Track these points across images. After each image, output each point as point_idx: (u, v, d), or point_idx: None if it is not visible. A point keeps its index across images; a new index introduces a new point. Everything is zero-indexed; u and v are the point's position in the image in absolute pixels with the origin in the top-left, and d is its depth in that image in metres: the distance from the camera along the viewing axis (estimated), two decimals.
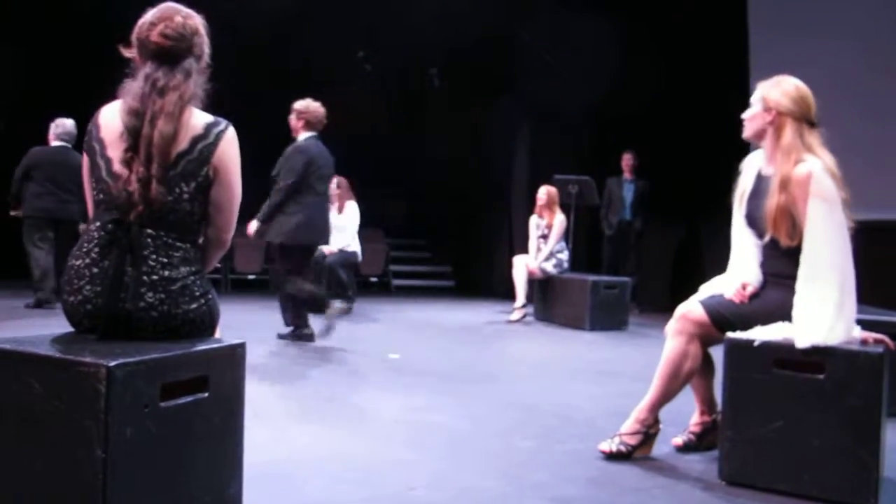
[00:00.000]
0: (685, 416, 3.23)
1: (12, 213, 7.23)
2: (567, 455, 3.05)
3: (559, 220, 7.65)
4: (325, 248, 7.80)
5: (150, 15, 2.20)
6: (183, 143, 2.11)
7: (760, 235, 2.91)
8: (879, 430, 2.53)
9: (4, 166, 7.83)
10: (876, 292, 4.44)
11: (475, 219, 11.37)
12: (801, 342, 2.62)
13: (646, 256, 8.95)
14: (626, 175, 8.78)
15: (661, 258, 9.30)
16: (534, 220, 7.82)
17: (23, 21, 8.90)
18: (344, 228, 7.91)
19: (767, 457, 2.65)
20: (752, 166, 3.02)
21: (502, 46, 9.86)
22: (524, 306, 7.59)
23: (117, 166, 2.09)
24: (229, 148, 2.19)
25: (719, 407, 2.92)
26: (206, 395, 2.03)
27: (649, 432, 3.03)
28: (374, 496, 2.51)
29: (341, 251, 7.79)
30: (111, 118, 2.14)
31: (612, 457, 2.97)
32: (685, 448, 3.13)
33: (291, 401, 3.80)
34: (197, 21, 2.23)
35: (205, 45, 2.24)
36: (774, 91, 2.87)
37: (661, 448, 3.09)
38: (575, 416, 3.71)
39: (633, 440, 3.00)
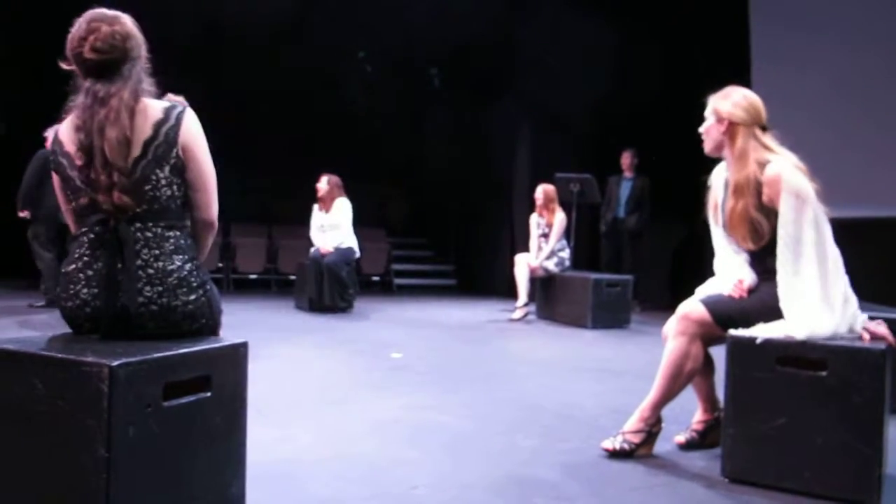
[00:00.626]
0: (687, 414, 3.23)
1: (24, 215, 7.24)
2: (569, 453, 3.05)
3: (559, 218, 7.65)
4: (322, 248, 7.81)
5: (77, 28, 2.17)
6: (147, 132, 2.13)
7: (737, 244, 2.97)
8: (882, 428, 2.53)
9: (6, 169, 7.86)
10: (883, 288, 4.44)
11: (477, 217, 11.38)
12: (795, 335, 2.64)
13: (647, 254, 8.93)
14: (626, 173, 8.78)
15: (663, 256, 9.31)
16: (534, 219, 7.82)
17: (25, 23, 8.91)
18: (336, 226, 7.91)
19: (770, 454, 2.65)
20: (719, 178, 3.09)
21: (502, 46, 9.85)
22: (526, 305, 7.59)
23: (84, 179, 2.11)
24: (193, 125, 2.21)
25: (721, 404, 2.92)
26: (209, 394, 2.03)
27: (652, 431, 3.03)
28: (376, 495, 2.51)
29: (337, 249, 7.78)
30: (68, 134, 2.16)
31: (614, 455, 2.98)
32: (688, 446, 3.14)
33: (294, 400, 3.80)
34: (126, 24, 2.19)
35: (139, 44, 2.21)
36: (724, 103, 2.95)
37: (663, 446, 3.09)
38: (577, 415, 3.71)
39: (636, 438, 3.00)
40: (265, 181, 11.48)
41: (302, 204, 8.23)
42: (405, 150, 12.06)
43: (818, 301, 2.67)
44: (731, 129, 2.90)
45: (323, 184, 8.01)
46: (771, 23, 7.69)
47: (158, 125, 2.15)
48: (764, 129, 2.91)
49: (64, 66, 2.20)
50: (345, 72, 11.28)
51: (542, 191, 7.76)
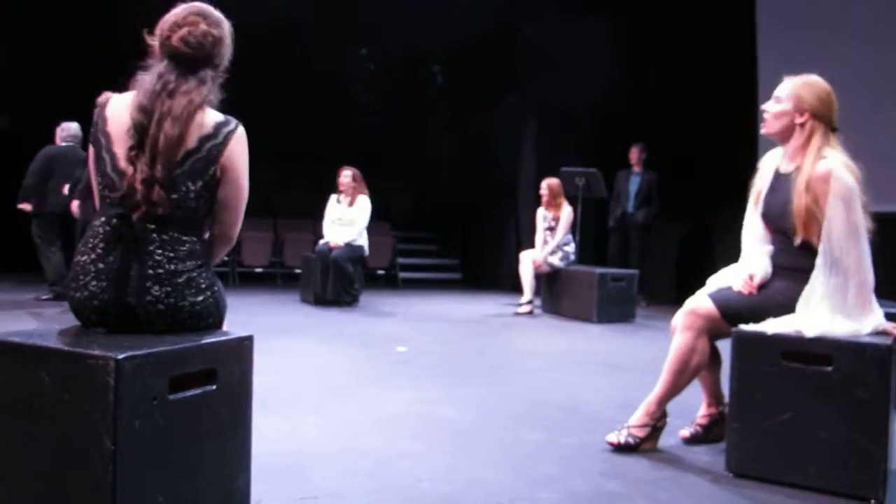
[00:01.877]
0: (692, 408, 3.23)
1: (24, 207, 7.28)
2: (575, 447, 3.06)
3: (566, 212, 7.64)
4: (331, 242, 7.80)
5: (177, 13, 2.15)
6: (191, 143, 2.10)
7: (776, 231, 2.91)
8: (887, 423, 2.52)
9: (12, 163, 7.88)
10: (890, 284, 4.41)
11: (482, 212, 11.37)
12: (807, 333, 2.63)
13: (654, 249, 8.93)
14: (635, 168, 8.77)
15: (670, 250, 9.29)
16: (541, 213, 7.81)
17: (27, 20, 8.92)
18: (352, 222, 7.88)
19: (775, 449, 2.65)
20: (769, 164, 3.00)
21: (506, 41, 9.83)
22: (530, 302, 7.59)
23: (122, 163, 2.08)
24: (238, 147, 2.17)
25: (726, 399, 2.92)
26: (215, 387, 2.04)
27: (657, 425, 3.03)
28: (382, 488, 2.52)
29: (348, 245, 7.77)
30: (119, 112, 2.13)
31: (619, 449, 2.98)
32: (692, 440, 3.14)
33: (299, 393, 3.81)
34: (224, 30, 2.19)
35: (226, 54, 2.21)
36: (808, 92, 2.83)
37: (668, 440, 3.09)
38: (582, 409, 3.71)
39: (641, 432, 3.00)
40: (270, 175, 11.48)
41: (307, 198, 8.23)
42: (410, 145, 12.05)
43: (839, 301, 2.65)
44: (812, 124, 2.80)
45: (347, 177, 7.96)
46: (777, 19, 7.66)
47: (204, 139, 2.11)
48: (834, 129, 2.84)
49: (148, 39, 2.16)
50: (348, 68, 11.28)
51: (547, 185, 7.75)
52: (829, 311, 2.65)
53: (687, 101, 8.09)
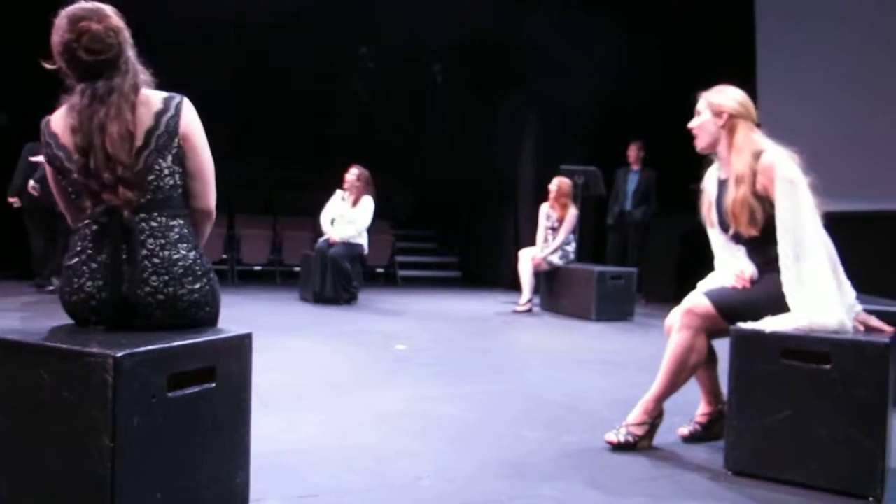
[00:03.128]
0: (691, 406, 3.23)
1: (10, 200, 7.39)
2: (574, 446, 3.06)
3: (571, 214, 7.63)
4: (332, 238, 7.80)
5: (63, 30, 2.08)
6: (148, 122, 2.12)
7: (734, 238, 2.98)
8: (886, 421, 2.52)
9: (9, 159, 7.89)
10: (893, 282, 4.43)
11: (481, 209, 11.37)
12: (803, 323, 2.64)
13: (653, 247, 8.93)
14: (633, 166, 8.77)
15: (668, 249, 9.29)
16: (544, 210, 7.78)
17: (25, 16, 8.91)
18: (353, 222, 7.88)
19: (774, 447, 2.65)
20: (711, 178, 3.11)
21: (507, 40, 9.82)
22: (529, 301, 7.59)
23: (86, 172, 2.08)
24: (190, 114, 2.21)
25: (725, 397, 2.92)
26: (214, 385, 2.04)
27: (654, 423, 3.04)
28: (381, 486, 2.52)
29: (346, 243, 7.77)
30: (62, 126, 2.12)
31: (618, 447, 2.98)
32: (691, 438, 3.14)
33: (299, 391, 3.81)
34: (111, 17, 2.14)
35: (127, 34, 2.17)
36: (720, 97, 2.99)
37: (667, 438, 3.10)
38: (581, 407, 3.71)
39: (639, 431, 3.01)
40: (270, 173, 11.49)
41: (307, 195, 8.23)
42: (409, 143, 12.04)
43: (827, 285, 2.68)
44: (731, 122, 2.94)
45: (353, 175, 7.95)
46: (776, 14, 7.66)
47: (159, 115, 2.15)
48: (757, 125, 2.96)
49: (48, 66, 2.12)
50: (348, 67, 11.27)
51: (558, 184, 7.73)
52: (822, 292, 2.68)
53: (687, 99, 8.08)
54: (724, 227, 3.01)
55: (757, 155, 2.85)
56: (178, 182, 2.19)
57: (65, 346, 1.86)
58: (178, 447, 1.94)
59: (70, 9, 2.11)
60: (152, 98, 2.17)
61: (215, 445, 2.06)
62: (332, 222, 7.96)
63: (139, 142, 2.11)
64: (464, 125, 11.25)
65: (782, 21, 7.51)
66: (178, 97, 2.21)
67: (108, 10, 2.16)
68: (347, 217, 7.89)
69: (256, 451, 2.25)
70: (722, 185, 3.02)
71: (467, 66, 10.86)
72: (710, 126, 2.99)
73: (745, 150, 2.88)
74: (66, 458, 1.81)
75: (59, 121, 2.15)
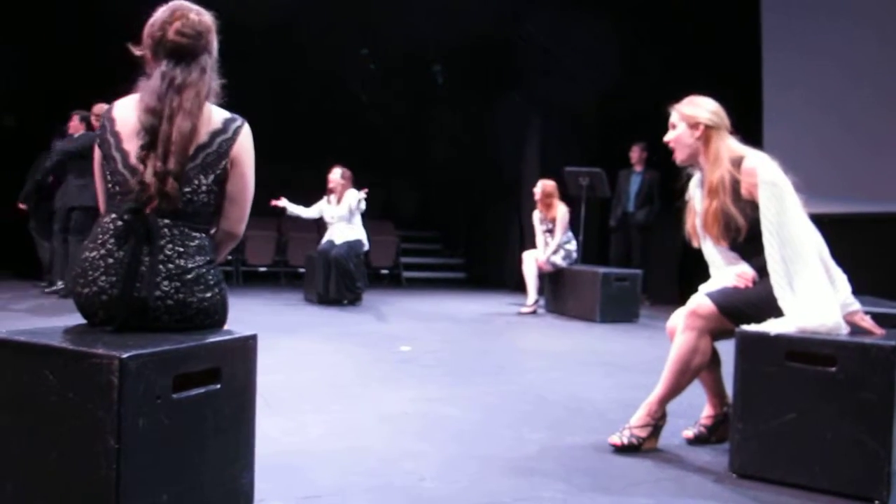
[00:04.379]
0: (695, 408, 3.23)
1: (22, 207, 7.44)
2: (577, 447, 3.06)
3: (562, 212, 7.62)
4: (336, 240, 7.81)
5: (162, 13, 2.20)
6: (202, 137, 2.15)
7: (731, 245, 2.97)
8: (892, 423, 2.51)
9: (18, 161, 7.92)
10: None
11: (486, 211, 11.37)
12: (806, 325, 2.64)
13: (657, 248, 8.91)
14: (636, 167, 8.76)
15: (672, 250, 9.27)
16: (536, 215, 7.80)
17: (32, 18, 8.94)
18: (344, 218, 7.90)
19: (779, 449, 2.65)
20: (695, 190, 3.12)
21: (509, 41, 9.83)
22: (536, 303, 7.59)
23: (134, 160, 2.10)
24: (246, 141, 2.23)
25: (730, 399, 2.91)
26: (219, 386, 2.04)
27: (658, 424, 3.03)
28: (384, 486, 2.52)
29: (346, 242, 7.79)
30: (126, 113, 2.16)
31: (622, 449, 2.98)
32: (696, 441, 3.14)
33: (303, 392, 3.82)
34: (209, 18, 2.25)
35: (216, 42, 2.26)
36: (693, 109, 3.02)
37: (671, 440, 3.09)
38: (585, 409, 3.71)
39: (642, 433, 3.00)
40: (274, 175, 11.49)
41: (311, 197, 8.24)
42: (414, 145, 12.05)
43: (819, 286, 2.67)
44: (706, 133, 2.96)
45: (336, 175, 7.99)
46: (782, 12, 7.64)
47: (215, 134, 2.17)
48: (731, 132, 2.97)
49: (135, 50, 2.21)
50: (349, 68, 11.29)
51: (541, 186, 7.73)
52: (828, 297, 2.67)
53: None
54: (703, 229, 3.02)
55: (737, 161, 2.87)
56: (212, 201, 2.19)
57: (71, 346, 1.87)
58: (183, 448, 1.94)
59: (176, 1, 2.24)
60: (214, 115, 2.19)
61: (220, 446, 2.06)
62: (325, 225, 8.03)
63: (189, 153, 2.12)
64: (467, 127, 11.25)
65: (787, 18, 7.49)
66: (239, 120, 2.23)
67: (208, 14, 2.26)
68: (338, 216, 7.92)
69: (261, 451, 2.25)
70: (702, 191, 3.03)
71: (469, 67, 10.87)
72: (687, 138, 3.01)
73: (720, 159, 2.90)
74: (72, 458, 1.82)
75: (123, 107, 2.18)
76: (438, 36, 9.83)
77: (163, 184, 2.07)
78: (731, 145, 2.94)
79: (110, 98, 2.30)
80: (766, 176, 2.78)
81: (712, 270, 3.11)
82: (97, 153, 2.21)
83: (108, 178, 2.15)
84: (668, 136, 3.08)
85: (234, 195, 2.25)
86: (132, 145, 2.12)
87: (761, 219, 2.78)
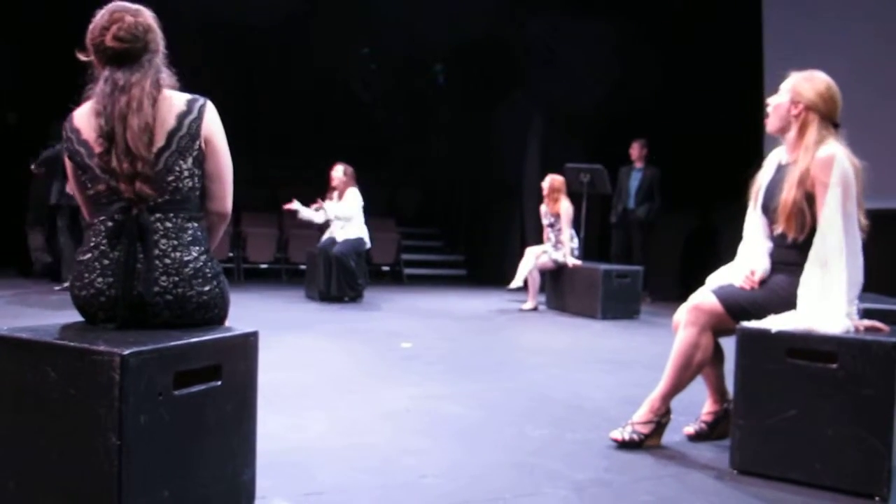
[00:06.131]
0: (697, 405, 3.23)
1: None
2: (579, 444, 3.06)
3: (564, 208, 7.62)
4: (337, 237, 7.81)
5: (100, 18, 2.19)
6: (171, 123, 2.15)
7: (773, 225, 2.90)
8: (893, 420, 2.51)
9: (18, 158, 7.93)
10: None
11: (487, 208, 11.37)
12: (816, 328, 2.62)
13: (658, 245, 8.92)
14: (636, 164, 8.76)
15: (673, 247, 9.28)
16: (542, 209, 7.83)
17: (32, 16, 8.94)
18: (348, 217, 7.89)
19: (779, 446, 2.65)
20: (773, 159, 3.01)
21: (510, 40, 9.82)
22: (523, 287, 7.58)
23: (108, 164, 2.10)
24: (213, 116, 2.24)
25: (731, 396, 2.91)
26: (220, 383, 2.05)
27: (661, 421, 3.03)
28: (386, 484, 2.52)
29: (346, 240, 7.79)
30: (86, 122, 2.16)
31: (623, 445, 2.98)
32: (697, 437, 3.13)
33: (304, 389, 3.82)
34: (147, 17, 2.22)
35: (159, 38, 2.24)
36: (805, 85, 2.84)
37: (672, 437, 3.09)
38: (587, 405, 3.71)
39: (645, 429, 3.00)
40: (276, 171, 11.51)
41: (313, 194, 8.24)
42: (416, 142, 12.05)
43: (841, 296, 2.65)
44: (806, 116, 2.81)
45: (338, 172, 7.97)
46: (784, 8, 7.62)
47: (182, 116, 2.17)
48: (836, 125, 2.83)
49: (81, 56, 2.21)
50: (351, 67, 11.30)
51: (549, 181, 7.75)
52: (843, 304, 2.65)
53: (691, 96, 8.07)
54: (766, 211, 2.93)
55: (815, 150, 2.75)
56: (197, 184, 2.20)
57: (72, 343, 1.87)
58: (184, 445, 1.95)
59: (113, 3, 2.22)
60: (175, 99, 2.19)
61: (221, 443, 2.06)
62: (327, 223, 8.01)
63: (160, 142, 2.12)
64: (468, 124, 11.25)
65: (790, 13, 7.47)
66: (201, 100, 2.23)
67: (146, 11, 2.24)
68: (340, 214, 7.91)
69: (262, 448, 2.26)
70: (781, 169, 2.91)
71: (471, 66, 10.87)
72: (783, 111, 2.87)
73: (812, 149, 2.76)
74: (73, 455, 1.82)
75: (82, 116, 2.18)
76: (441, 35, 9.83)
77: (133, 186, 2.07)
78: (826, 137, 2.78)
79: None
80: (837, 176, 2.68)
81: (743, 244, 3.03)
82: (69, 166, 2.21)
83: (89, 185, 2.15)
84: (770, 100, 2.93)
85: (215, 172, 2.26)
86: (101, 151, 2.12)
87: (820, 217, 2.70)
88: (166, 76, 2.22)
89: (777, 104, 2.91)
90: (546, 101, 9.68)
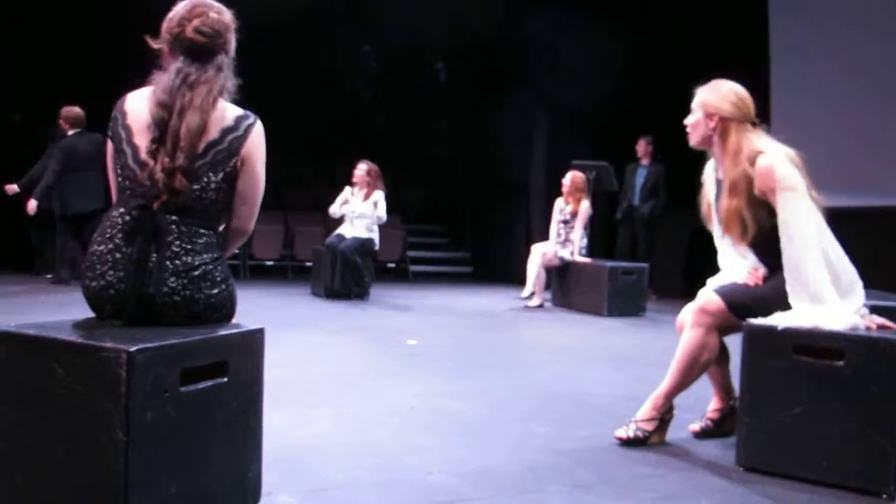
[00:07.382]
0: (703, 402, 3.22)
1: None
2: (583, 441, 3.06)
3: (584, 207, 7.60)
4: (346, 235, 7.81)
5: (182, 8, 2.20)
6: (213, 134, 2.14)
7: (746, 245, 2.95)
8: None
9: (23, 156, 7.95)
10: None
11: (493, 205, 11.36)
12: (820, 324, 2.62)
13: (664, 242, 8.90)
14: (642, 160, 8.75)
15: (679, 244, 9.26)
16: (558, 204, 7.78)
17: (38, 16, 8.96)
18: (364, 216, 7.88)
19: (785, 443, 2.64)
20: (709, 175, 3.06)
21: (514, 37, 9.80)
22: (533, 292, 7.56)
23: (144, 155, 2.11)
24: (257, 139, 2.22)
25: (737, 393, 2.91)
26: (226, 380, 2.05)
27: (664, 418, 3.03)
28: (391, 480, 2.53)
29: (356, 237, 7.78)
30: (138, 107, 2.16)
31: (628, 443, 2.98)
32: (702, 434, 3.13)
33: (310, 386, 3.83)
34: (228, 17, 2.25)
35: (234, 40, 2.26)
36: (713, 97, 2.91)
37: (678, 434, 3.09)
38: (592, 402, 3.71)
39: (649, 426, 3.00)
40: (281, 170, 11.52)
41: (318, 191, 8.25)
42: (421, 140, 12.05)
43: (827, 294, 2.65)
44: (723, 125, 2.87)
45: (361, 171, 7.91)
46: (791, 13, 7.59)
47: (226, 132, 2.16)
48: (754, 123, 2.88)
49: (152, 43, 2.21)
50: (352, 66, 11.31)
51: (571, 178, 7.71)
52: (833, 296, 2.66)
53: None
54: (724, 229, 2.97)
55: (753, 159, 2.79)
56: (221, 199, 2.19)
57: (78, 340, 1.88)
58: (190, 441, 1.95)
59: None
60: (227, 112, 2.18)
61: (227, 440, 2.07)
62: (343, 217, 7.98)
63: (199, 150, 2.12)
64: (474, 123, 11.24)
65: (796, 18, 7.44)
66: (251, 118, 2.22)
67: (228, 13, 2.26)
68: (359, 211, 7.89)
69: (268, 445, 2.26)
70: (719, 184, 2.97)
71: (475, 64, 10.86)
72: (702, 127, 2.93)
73: (739, 154, 2.81)
74: (80, 451, 1.83)
75: (134, 100, 2.18)
76: (443, 34, 9.83)
77: (171, 180, 2.06)
78: (751, 139, 2.83)
79: (110, 96, 2.30)
80: (782, 181, 2.71)
81: (721, 260, 3.08)
82: (109, 146, 2.21)
83: (119, 171, 2.15)
84: (687, 120, 2.99)
85: (245, 193, 2.24)
86: (143, 140, 2.12)
87: (779, 223, 2.74)
88: (231, 85, 2.23)
89: (694, 122, 2.96)
90: (550, 98, 9.66)
